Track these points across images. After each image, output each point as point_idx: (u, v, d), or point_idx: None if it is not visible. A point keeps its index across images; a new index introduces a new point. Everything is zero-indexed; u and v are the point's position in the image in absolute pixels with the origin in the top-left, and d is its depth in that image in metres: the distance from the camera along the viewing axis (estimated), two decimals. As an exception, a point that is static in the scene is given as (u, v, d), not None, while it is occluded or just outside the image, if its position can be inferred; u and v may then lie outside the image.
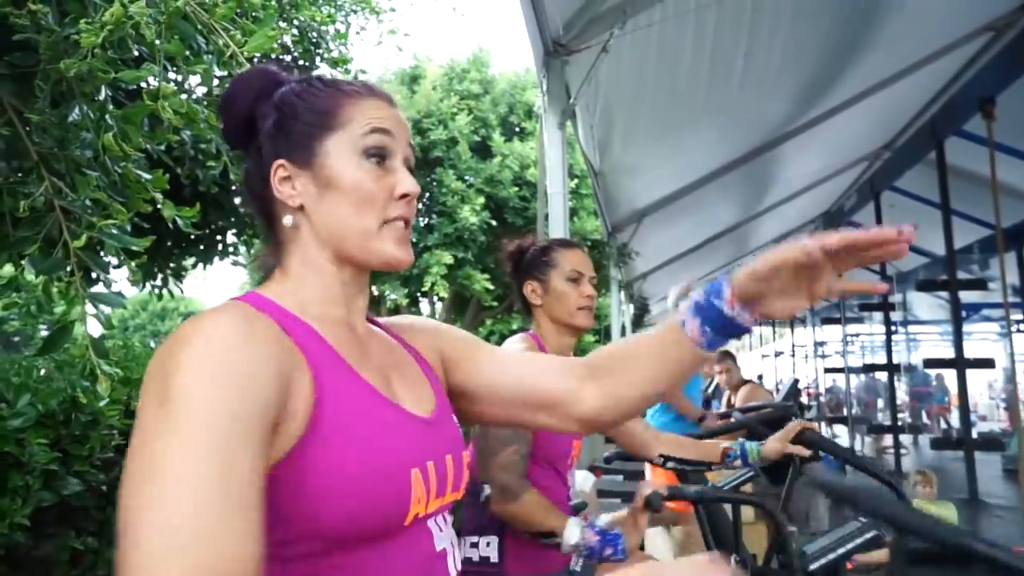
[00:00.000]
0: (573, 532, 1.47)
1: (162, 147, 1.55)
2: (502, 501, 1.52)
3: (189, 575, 0.52)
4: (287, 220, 0.80)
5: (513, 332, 2.01)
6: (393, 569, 0.72)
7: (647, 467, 2.36)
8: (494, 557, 1.59)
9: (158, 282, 3.71)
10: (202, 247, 3.94)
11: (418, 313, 14.40)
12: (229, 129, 0.86)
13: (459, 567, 0.83)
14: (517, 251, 1.81)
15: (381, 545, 0.71)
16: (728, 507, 2.19)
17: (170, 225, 1.37)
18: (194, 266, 3.97)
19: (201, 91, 1.85)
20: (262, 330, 0.68)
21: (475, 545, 1.61)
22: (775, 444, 1.90)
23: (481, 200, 11.95)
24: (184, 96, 1.28)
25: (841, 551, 1.51)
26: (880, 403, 12.50)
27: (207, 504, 0.55)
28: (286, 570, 0.66)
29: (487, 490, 1.55)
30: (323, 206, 0.79)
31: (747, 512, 4.01)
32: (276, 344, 0.69)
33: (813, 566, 1.53)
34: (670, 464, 1.95)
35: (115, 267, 1.40)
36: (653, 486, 1.51)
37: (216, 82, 1.51)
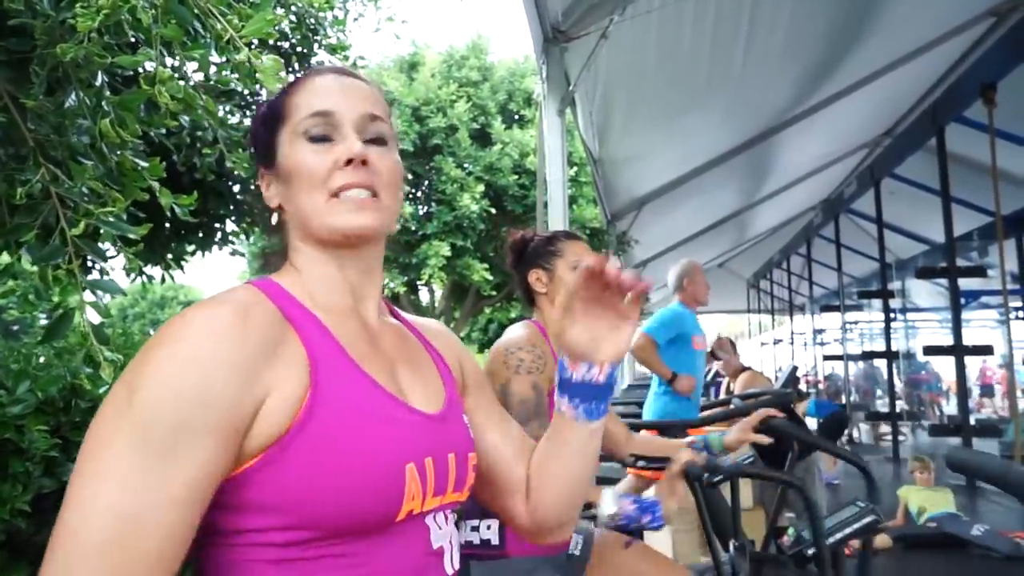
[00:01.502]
0: (609, 503, 1.47)
1: (163, 131, 1.54)
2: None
3: None
4: (274, 218, 0.86)
5: (512, 320, 2.02)
6: (383, 563, 0.72)
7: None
8: (495, 540, 1.61)
9: (155, 270, 3.71)
10: (200, 235, 3.93)
11: (417, 302, 14.41)
12: (258, 157, 0.89)
13: (457, 566, 0.83)
14: (521, 242, 1.85)
15: (372, 539, 0.71)
16: (727, 493, 2.20)
17: (168, 213, 1.37)
18: (192, 254, 3.97)
19: (198, 77, 1.84)
20: (259, 320, 0.70)
21: (475, 528, 1.63)
22: (738, 434, 1.90)
23: (480, 188, 11.92)
24: (181, 82, 1.27)
25: (839, 536, 1.52)
26: (879, 390, 12.54)
27: (118, 524, 0.59)
28: (279, 556, 0.67)
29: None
30: (289, 199, 0.82)
31: (745, 498, 4.03)
32: (269, 335, 0.70)
33: (811, 551, 1.54)
34: (640, 463, 1.96)
35: (111, 256, 1.40)
36: (692, 454, 1.52)
37: (213, 68, 1.50)
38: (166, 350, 0.65)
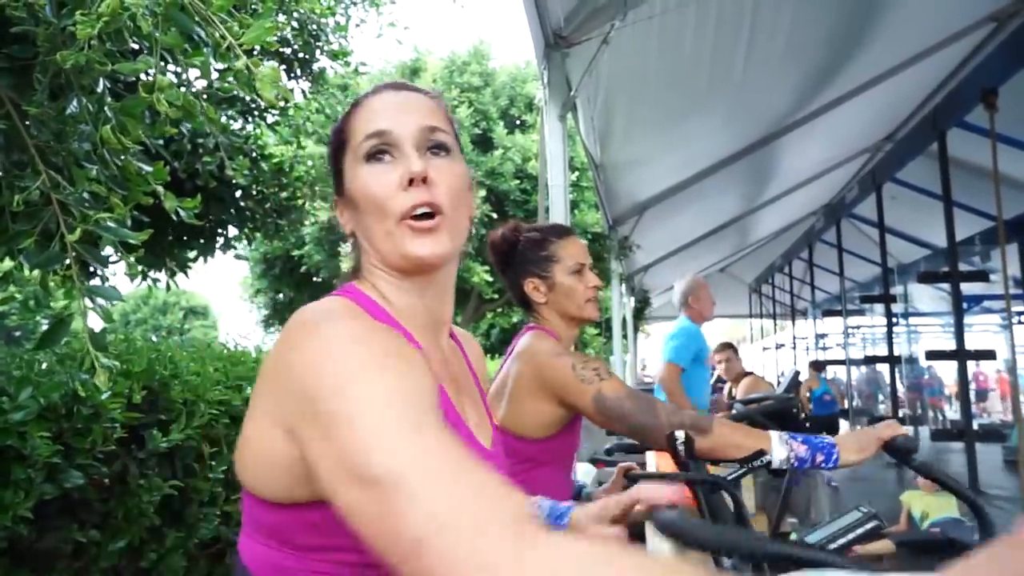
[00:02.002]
0: (780, 448, 1.41)
1: (160, 141, 1.55)
2: (700, 437, 1.45)
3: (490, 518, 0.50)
4: (349, 246, 0.85)
5: (513, 325, 1.99)
6: None
7: (649, 456, 2.34)
8: None
9: (158, 275, 3.72)
10: (202, 240, 3.94)
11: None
12: (334, 185, 0.88)
13: None
14: (503, 243, 1.71)
15: None
16: (728, 497, 2.19)
17: (173, 217, 1.37)
18: (195, 260, 3.98)
19: (201, 84, 1.84)
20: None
21: None
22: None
23: (482, 193, 11.94)
24: (183, 89, 1.27)
25: (841, 541, 1.51)
26: (880, 395, 12.51)
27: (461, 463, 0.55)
28: (325, 566, 0.68)
29: (681, 435, 1.50)
30: (359, 225, 0.81)
31: (747, 504, 4.01)
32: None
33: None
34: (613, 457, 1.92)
35: (113, 262, 1.40)
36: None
37: (215, 75, 1.51)
38: (350, 322, 0.66)
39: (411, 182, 0.75)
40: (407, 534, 0.50)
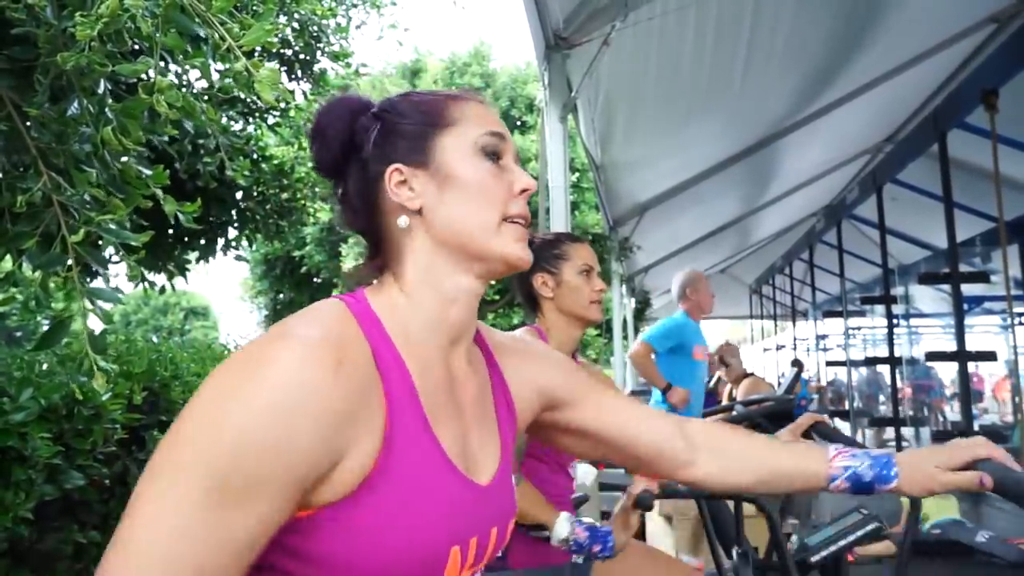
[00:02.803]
0: (563, 527, 1.47)
1: (165, 138, 1.55)
2: None
3: None
4: (402, 221, 0.77)
5: (514, 326, 1.99)
6: None
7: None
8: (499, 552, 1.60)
9: (159, 277, 3.72)
10: (203, 242, 3.94)
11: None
12: (324, 157, 0.82)
13: None
14: None
15: None
16: (730, 501, 2.19)
17: (171, 220, 1.37)
18: (197, 261, 3.98)
19: (201, 85, 1.84)
20: (350, 368, 0.66)
21: None
22: (787, 437, 1.85)
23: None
24: (183, 90, 1.28)
25: (842, 543, 1.51)
26: (881, 396, 12.51)
27: (174, 569, 0.57)
28: None
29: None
30: (443, 205, 0.77)
31: (748, 505, 4.01)
32: (357, 389, 0.66)
33: (815, 558, 1.53)
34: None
35: (114, 263, 1.40)
36: (645, 485, 1.51)
37: (215, 76, 1.51)
38: (256, 391, 0.60)
39: (522, 192, 0.80)
40: None
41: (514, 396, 0.90)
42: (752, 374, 5.34)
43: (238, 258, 4.33)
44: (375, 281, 0.81)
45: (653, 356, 3.80)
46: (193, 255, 3.94)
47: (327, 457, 0.63)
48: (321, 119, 0.81)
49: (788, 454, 1.02)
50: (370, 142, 0.79)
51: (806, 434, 1.83)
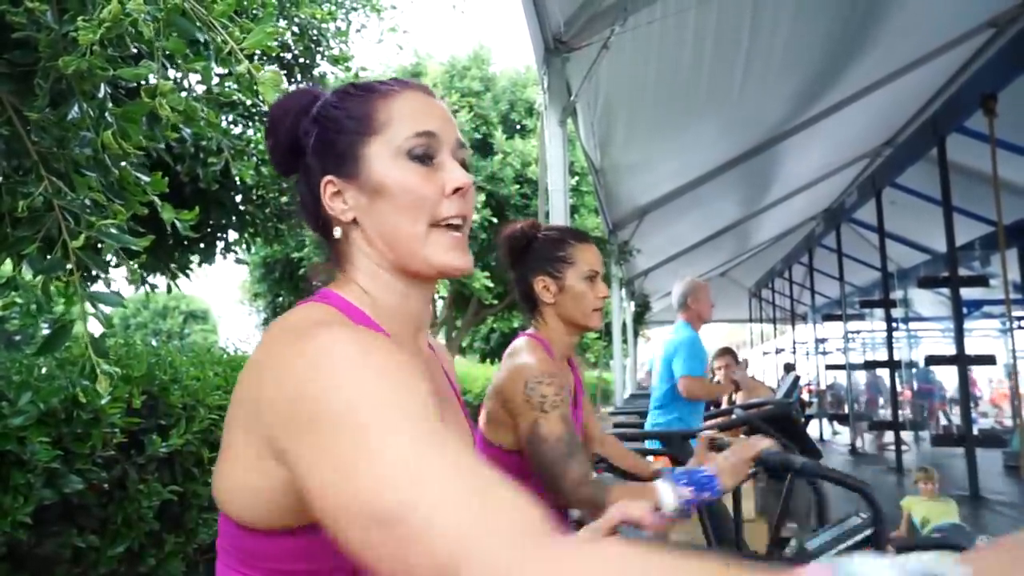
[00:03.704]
0: (668, 496, 1.39)
1: (162, 145, 1.55)
2: (593, 517, 1.45)
3: (512, 532, 0.50)
4: (336, 232, 0.78)
5: (514, 330, 1.97)
6: None
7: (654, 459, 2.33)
8: None
9: (158, 280, 3.71)
10: (203, 245, 3.94)
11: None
12: (276, 154, 0.82)
13: None
14: (521, 238, 1.67)
15: None
16: (729, 504, 2.19)
17: (168, 227, 1.37)
18: (197, 264, 3.98)
19: (201, 89, 1.84)
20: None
21: None
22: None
23: (482, 198, 11.94)
24: (184, 94, 1.28)
25: (842, 547, 1.51)
26: (881, 399, 12.50)
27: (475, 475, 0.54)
28: None
29: (576, 514, 1.48)
30: (373, 216, 0.76)
31: (747, 508, 4.01)
32: None
33: (813, 563, 1.53)
34: (600, 465, 1.90)
35: (114, 266, 1.40)
36: (769, 442, 1.47)
37: (216, 80, 1.51)
38: (359, 350, 0.61)
39: (456, 191, 0.76)
40: (435, 562, 0.48)
41: (455, 386, 0.92)
42: (752, 378, 5.33)
43: (238, 261, 4.32)
44: (337, 277, 0.80)
45: (659, 371, 3.82)
46: (194, 259, 3.94)
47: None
48: (273, 115, 0.81)
49: None
50: (308, 148, 0.79)
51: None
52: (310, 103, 0.80)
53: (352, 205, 0.77)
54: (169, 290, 3.64)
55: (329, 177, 0.77)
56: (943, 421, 12.44)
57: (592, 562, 0.46)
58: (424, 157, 0.76)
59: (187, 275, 3.86)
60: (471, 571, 0.47)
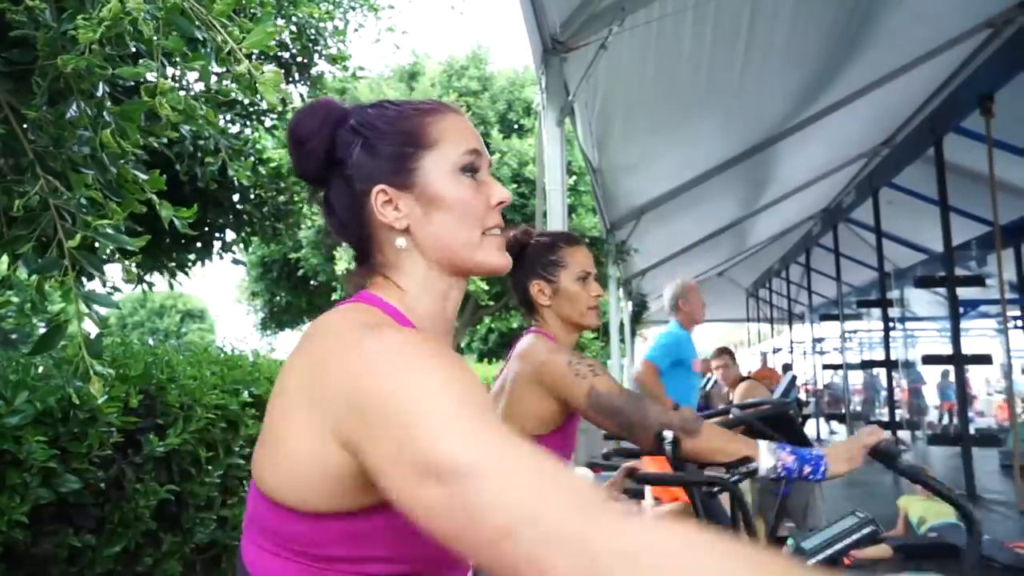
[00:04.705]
0: (767, 457, 1.42)
1: (164, 140, 1.55)
2: (688, 439, 1.46)
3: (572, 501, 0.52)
4: (400, 242, 0.83)
5: (512, 330, 1.99)
6: None
7: (642, 460, 2.32)
8: None
9: (153, 279, 3.71)
10: (200, 244, 3.94)
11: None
12: (306, 164, 0.85)
13: None
14: (515, 244, 1.75)
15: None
16: (726, 502, 2.19)
17: (166, 225, 1.37)
18: (194, 263, 3.98)
19: (199, 87, 1.84)
20: None
21: None
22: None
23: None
24: (182, 92, 1.27)
25: (838, 546, 1.51)
26: (877, 399, 12.53)
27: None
28: None
29: (669, 435, 1.48)
30: (430, 224, 0.82)
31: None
32: None
33: (811, 561, 1.53)
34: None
35: (110, 262, 1.40)
36: (882, 434, 1.46)
37: (214, 78, 1.51)
38: (401, 332, 0.70)
39: (499, 204, 0.86)
40: (495, 522, 0.51)
41: None
42: (748, 377, 5.34)
43: (235, 261, 4.32)
44: (369, 283, 0.85)
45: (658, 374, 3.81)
46: (191, 257, 3.94)
47: None
48: (301, 128, 0.83)
49: None
50: (352, 158, 0.82)
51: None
52: (342, 114, 0.84)
53: (406, 213, 0.82)
54: (171, 286, 3.64)
55: (382, 186, 0.81)
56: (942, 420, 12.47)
57: (660, 536, 0.47)
58: (472, 172, 0.84)
59: (186, 272, 3.86)
60: (523, 543, 0.49)
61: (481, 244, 0.84)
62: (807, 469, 1.41)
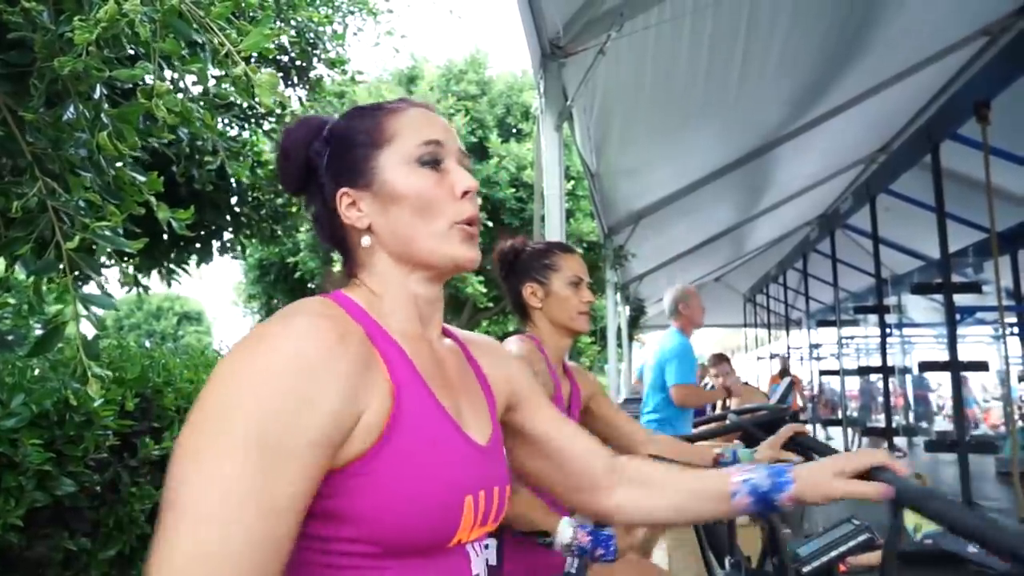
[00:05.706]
0: (565, 531, 1.47)
1: (165, 141, 1.55)
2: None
3: None
4: (365, 241, 0.83)
5: (508, 333, 2.01)
6: None
7: None
8: (492, 559, 1.59)
9: (153, 279, 3.71)
10: (198, 245, 3.94)
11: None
12: (289, 177, 0.88)
13: None
14: (511, 252, 1.80)
15: (422, 562, 0.74)
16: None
17: (164, 226, 1.37)
18: (197, 265, 3.97)
19: (197, 90, 1.84)
20: (352, 341, 0.72)
21: None
22: (768, 451, 1.81)
23: (478, 201, 11.93)
24: (180, 95, 1.27)
25: (834, 553, 1.51)
26: (874, 405, 12.53)
27: (222, 533, 0.59)
28: (338, 563, 0.70)
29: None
30: (389, 219, 0.82)
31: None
32: (361, 356, 0.72)
33: (806, 568, 1.53)
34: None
35: (106, 267, 1.39)
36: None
37: (212, 81, 1.51)
38: (278, 354, 0.65)
39: (464, 194, 0.84)
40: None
41: (493, 389, 0.96)
42: (746, 383, 5.34)
43: (235, 256, 4.31)
44: (349, 284, 0.86)
45: (651, 379, 3.84)
46: (192, 259, 3.94)
47: (348, 413, 0.68)
48: (285, 142, 0.87)
49: (693, 477, 1.05)
50: (322, 167, 0.85)
51: (787, 445, 1.84)
52: (320, 127, 0.87)
53: (367, 212, 0.83)
54: (168, 284, 3.64)
55: (344, 189, 0.83)
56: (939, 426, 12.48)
57: None
58: (433, 163, 0.83)
59: (186, 272, 3.86)
60: None
61: (446, 236, 0.83)
62: (599, 551, 1.47)
